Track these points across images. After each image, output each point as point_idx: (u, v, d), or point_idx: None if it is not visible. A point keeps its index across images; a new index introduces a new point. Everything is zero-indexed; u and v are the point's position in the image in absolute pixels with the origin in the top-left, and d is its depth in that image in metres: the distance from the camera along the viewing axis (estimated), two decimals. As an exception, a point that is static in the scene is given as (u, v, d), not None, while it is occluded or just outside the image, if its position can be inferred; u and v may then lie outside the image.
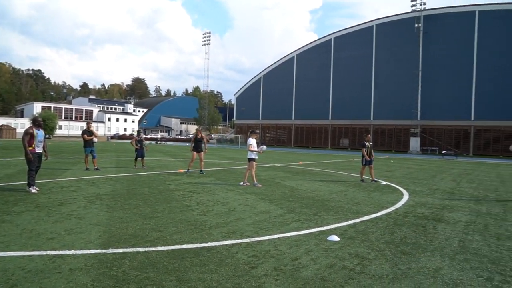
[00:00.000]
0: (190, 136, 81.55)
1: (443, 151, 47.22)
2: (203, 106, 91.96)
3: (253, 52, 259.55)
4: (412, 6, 57.55)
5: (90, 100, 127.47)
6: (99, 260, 4.44)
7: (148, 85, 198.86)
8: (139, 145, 16.87)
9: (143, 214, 7.09)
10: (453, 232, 6.46)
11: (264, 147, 12.88)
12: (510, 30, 51.34)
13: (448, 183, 14.52)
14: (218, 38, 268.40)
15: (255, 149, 11.99)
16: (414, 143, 56.37)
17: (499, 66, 51.79)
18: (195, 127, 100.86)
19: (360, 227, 6.61)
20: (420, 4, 56.69)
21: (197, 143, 15.34)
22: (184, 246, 5.11)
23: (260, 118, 74.88)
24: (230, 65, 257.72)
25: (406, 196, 10.53)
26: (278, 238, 5.71)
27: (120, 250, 4.84)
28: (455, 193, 11.71)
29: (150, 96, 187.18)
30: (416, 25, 56.85)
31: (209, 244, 5.25)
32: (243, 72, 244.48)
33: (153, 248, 4.95)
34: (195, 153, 15.24)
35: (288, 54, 72.20)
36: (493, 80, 52.11)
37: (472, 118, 53.83)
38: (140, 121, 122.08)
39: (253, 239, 5.57)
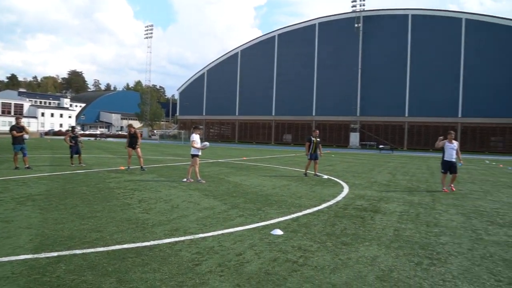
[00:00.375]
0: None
1: (380, 146, 49.81)
2: (145, 101, 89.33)
3: (197, 46, 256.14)
4: (352, 7, 59.88)
5: (20, 94, 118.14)
6: (29, 266, 4.12)
7: (86, 79, 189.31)
8: (73, 141, 16.02)
9: (80, 214, 6.74)
10: (389, 222, 6.83)
11: (207, 144, 12.70)
12: (439, 32, 55.16)
13: (384, 176, 15.34)
14: (161, 32, 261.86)
15: (198, 145, 11.85)
16: (354, 138, 58.90)
17: (429, 66, 55.56)
18: (137, 122, 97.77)
19: (303, 220, 6.78)
20: (360, 5, 59.13)
21: (131, 139, 14.87)
22: (125, 246, 4.93)
23: (204, 114, 74.30)
24: (174, 59, 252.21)
25: (346, 189, 10.96)
26: (222, 234, 5.70)
27: (55, 254, 4.55)
28: (391, 185, 12.39)
29: (89, 90, 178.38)
30: (356, 25, 59.27)
31: (152, 242, 5.11)
32: (186, 67, 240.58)
33: (92, 250, 4.72)
34: (130, 149, 14.78)
35: (232, 50, 72.21)
36: (424, 79, 55.83)
37: (406, 115, 57.27)
38: (77, 117, 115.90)
39: (197, 236, 5.50)
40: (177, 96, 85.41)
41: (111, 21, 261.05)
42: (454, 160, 11.32)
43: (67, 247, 4.80)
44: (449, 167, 11.32)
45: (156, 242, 5.11)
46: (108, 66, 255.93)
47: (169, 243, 5.12)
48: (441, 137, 12.18)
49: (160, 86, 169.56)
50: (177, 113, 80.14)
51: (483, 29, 53.33)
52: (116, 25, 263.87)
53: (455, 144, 11.37)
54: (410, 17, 57.30)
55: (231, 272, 4.11)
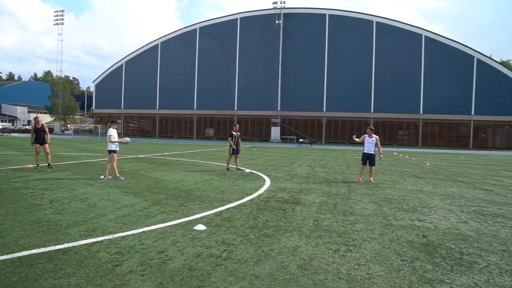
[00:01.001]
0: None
1: (300, 140, 51.90)
2: (56, 93, 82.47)
3: (114, 36, 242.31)
4: (273, 3, 61.19)
5: None
6: None
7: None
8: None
9: (-21, 217, 6.05)
10: (309, 212, 7.13)
11: (128, 139, 12.08)
12: (354, 32, 58.81)
13: (304, 169, 15.98)
14: (74, 18, 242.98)
15: (116, 140, 11.29)
16: (275, 132, 60.53)
17: (345, 64, 59.05)
18: (48, 116, 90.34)
19: (226, 214, 6.80)
20: (281, 2, 60.64)
21: (37, 134, 13.64)
22: (34, 251, 4.52)
23: (123, 107, 70.97)
24: (88, 49, 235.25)
25: (268, 182, 11.22)
26: (144, 231, 5.50)
27: (-52, 263, 4.03)
28: (310, 177, 12.94)
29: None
30: (277, 22, 60.68)
31: (66, 245, 4.75)
32: (103, 58, 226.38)
33: (-6, 257, 4.26)
34: (37, 145, 13.60)
35: (152, 41, 69.81)
36: (341, 77, 59.21)
37: (324, 110, 60.27)
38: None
39: (116, 235, 5.24)
40: (92, 89, 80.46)
41: (11, 2, 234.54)
42: (372, 153, 12.23)
43: (-37, 256, 4.28)
44: (367, 160, 12.21)
45: (70, 245, 4.77)
46: (8, 53, 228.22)
47: (86, 244, 4.81)
48: (355, 136, 13.13)
49: (73, 77, 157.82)
50: (93, 107, 75.49)
51: (391, 32, 58.05)
52: (18, 6, 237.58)
53: (374, 138, 12.30)
54: (327, 16, 60.25)
55: (154, 271, 3.99)
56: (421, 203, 8.48)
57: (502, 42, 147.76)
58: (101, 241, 4.97)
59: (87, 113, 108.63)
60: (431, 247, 5.10)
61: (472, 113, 56.48)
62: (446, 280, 3.95)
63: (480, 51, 57.09)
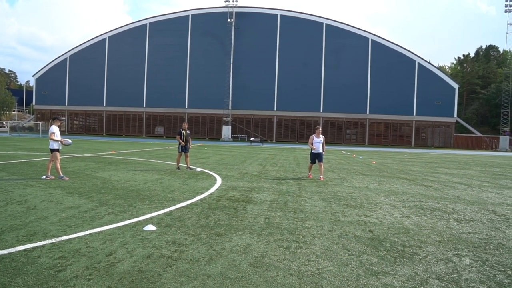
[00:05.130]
0: None
1: (251, 138, 52.18)
2: (-10, 87, 77.11)
3: (56, 28, 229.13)
4: (225, 1, 61.00)
5: None
6: None
7: None
8: None
9: None
10: (260, 210, 7.18)
11: (69, 141, 11.25)
12: (304, 33, 60.07)
13: (255, 167, 16.08)
14: (7, 6, 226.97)
15: (58, 138, 10.71)
16: (226, 131, 60.42)
17: (295, 64, 60.18)
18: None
19: (176, 214, 6.69)
20: (233, 1, 60.58)
21: None
22: (-33, 257, 4.19)
23: (67, 104, 67.56)
24: (26, 40, 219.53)
25: (219, 181, 11.17)
26: (90, 234, 5.27)
27: None
28: (261, 176, 13.05)
29: None
30: (228, 20, 60.55)
31: (1, 252, 4.43)
32: (43, 50, 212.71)
33: None
34: None
35: (100, 35, 67.10)
36: (291, 77, 60.27)
37: (275, 109, 61.06)
38: None
39: (59, 239, 4.98)
40: (32, 83, 75.85)
41: None
42: (320, 151, 12.62)
43: None
44: (315, 158, 12.60)
45: (6, 251, 4.45)
46: None
47: (25, 250, 4.52)
48: (311, 143, 13.43)
49: (10, 70, 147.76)
50: (34, 102, 71.12)
51: (339, 34, 59.98)
52: None
53: (321, 138, 12.71)
54: (279, 17, 61.04)
55: (101, 274, 3.83)
56: (368, 199, 8.83)
57: (440, 48, 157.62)
58: (42, 246, 4.69)
59: (26, 109, 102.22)
60: (377, 241, 5.33)
61: (414, 114, 59.77)
62: (390, 272, 4.15)
63: (421, 56, 60.61)
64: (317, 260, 4.48)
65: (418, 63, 59.42)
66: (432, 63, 64.09)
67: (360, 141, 61.35)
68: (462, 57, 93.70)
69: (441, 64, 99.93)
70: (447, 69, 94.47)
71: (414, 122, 60.27)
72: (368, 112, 60.19)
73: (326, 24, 60.48)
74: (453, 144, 60.28)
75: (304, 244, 5.10)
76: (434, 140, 61.29)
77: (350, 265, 4.33)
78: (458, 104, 63.82)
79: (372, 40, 59.90)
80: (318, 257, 4.59)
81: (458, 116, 61.59)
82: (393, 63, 59.00)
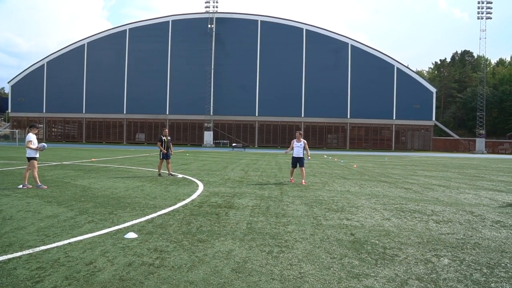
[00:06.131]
0: None
1: (233, 144, 52.13)
2: (-37, 94, 74.72)
3: (32, 33, 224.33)
4: (206, 8, 61.02)
5: None
6: None
7: None
8: None
9: None
10: (242, 216, 7.18)
11: (44, 145, 10.99)
12: (285, 38, 60.59)
13: (237, 173, 16.07)
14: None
15: (35, 146, 10.49)
16: (208, 137, 60.23)
17: (277, 69, 60.55)
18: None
19: (158, 221, 6.62)
20: (213, 7, 60.66)
21: None
22: None
23: (44, 111, 66.13)
24: (0, 46, 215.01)
25: (201, 187, 11.12)
26: (69, 243, 5.17)
27: None
28: (243, 181, 13.05)
29: None
30: (209, 26, 60.57)
31: (-23, 262, 4.31)
32: (18, 56, 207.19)
33: None
34: None
35: (78, 41, 66.10)
36: (272, 82, 60.63)
37: (257, 114, 61.23)
38: None
39: (37, 249, 4.86)
40: (8, 90, 73.98)
41: None
42: (301, 156, 12.74)
43: None
44: (296, 162, 12.70)
45: (-17, 261, 4.34)
46: None
47: (0, 261, 4.41)
48: (286, 151, 13.78)
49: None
50: (9, 110, 69.34)
51: (320, 39, 60.72)
52: None
53: (302, 142, 12.84)
54: (259, 23, 61.42)
55: (81, 284, 3.76)
56: (349, 203, 8.93)
57: (417, 53, 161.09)
58: (19, 257, 4.57)
59: (1, 117, 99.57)
60: (358, 244, 5.40)
61: (394, 118, 60.82)
62: (371, 274, 4.20)
63: (399, 61, 61.82)
64: (299, 264, 4.51)
65: (397, 68, 60.61)
66: (410, 68, 65.44)
67: (342, 145, 62.02)
68: (439, 62, 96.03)
69: (419, 69, 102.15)
70: (425, 74, 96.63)
71: (394, 125, 61.31)
72: (349, 117, 60.95)
73: (306, 30, 61.16)
74: (432, 147, 61.56)
75: (286, 249, 5.12)
76: (414, 143, 62.46)
77: (332, 268, 4.37)
78: (436, 107, 65.31)
79: (351, 45, 60.82)
80: (300, 261, 4.62)
81: (436, 119, 62.96)
82: (373, 67, 60.00)
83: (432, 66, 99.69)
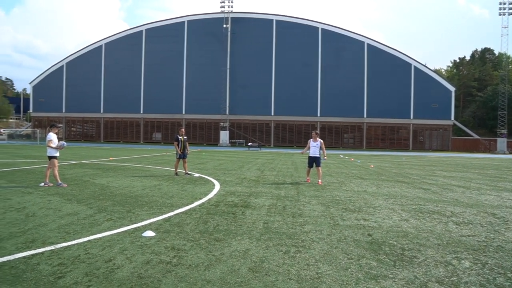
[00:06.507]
0: None
1: (249, 143, 52.17)
2: (-13, 95, 76.85)
3: (52, 35, 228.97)
4: (221, 8, 61.23)
5: None
6: None
7: None
8: None
9: None
10: (259, 215, 7.18)
11: (64, 143, 11.27)
12: (300, 38, 60.34)
13: (254, 172, 16.08)
14: (2, 14, 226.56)
15: (55, 145, 10.70)
16: (224, 136, 60.43)
17: (292, 69, 60.35)
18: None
19: (175, 219, 6.68)
20: (228, 7, 60.84)
21: None
22: (-35, 265, 4.17)
23: (64, 111, 67.44)
24: (21, 48, 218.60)
25: (217, 187, 11.16)
26: (89, 240, 5.26)
27: None
28: (260, 180, 13.05)
29: None
30: (224, 26, 60.77)
31: (0, 260, 4.43)
32: (39, 58, 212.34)
33: None
34: None
35: (96, 42, 67.11)
36: (287, 81, 60.42)
37: (272, 114, 61.14)
38: None
39: (58, 246, 4.97)
40: (29, 91, 75.73)
41: None
42: (317, 156, 12.69)
43: None
44: (313, 162, 12.64)
45: (6, 259, 4.45)
46: None
47: (24, 257, 4.51)
48: (302, 152, 13.77)
49: (6, 78, 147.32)
50: (31, 110, 70.96)
51: (335, 38, 60.25)
52: None
53: (319, 142, 12.77)
54: (274, 22, 61.29)
55: (101, 281, 3.83)
56: (366, 203, 8.84)
57: (436, 51, 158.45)
58: (42, 253, 4.68)
59: (23, 117, 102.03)
60: (376, 245, 5.34)
61: (411, 117, 59.94)
62: (390, 275, 4.15)
63: (417, 59, 60.89)
64: (316, 264, 4.49)
65: (414, 67, 59.71)
66: (428, 66, 64.38)
67: (358, 145, 61.45)
68: (458, 60, 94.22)
69: (437, 67, 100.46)
70: (443, 72, 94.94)
71: (411, 125, 60.44)
72: (365, 116, 60.33)
73: (322, 29, 60.77)
74: (450, 147, 60.45)
75: (303, 249, 5.10)
76: (432, 143, 61.45)
77: (349, 269, 4.33)
78: (455, 107, 64.06)
79: (368, 44, 60.18)
80: (317, 261, 4.59)
81: (455, 119, 61.78)
82: (389, 66, 59.24)
83: (450, 65, 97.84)
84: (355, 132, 62.11)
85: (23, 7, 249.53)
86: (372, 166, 22.02)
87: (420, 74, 59.55)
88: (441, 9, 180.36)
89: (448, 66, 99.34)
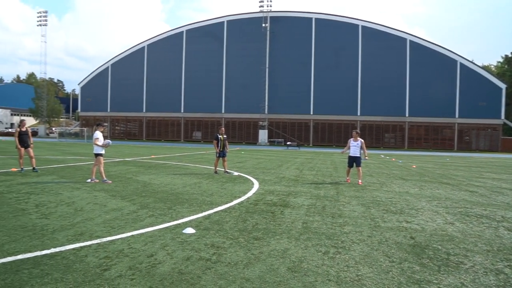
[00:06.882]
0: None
1: (288, 143, 52.02)
2: (40, 95, 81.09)
3: (99, 38, 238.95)
4: (260, 7, 61.38)
5: None
6: None
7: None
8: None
9: (-37, 222, 5.92)
10: (298, 215, 7.15)
11: (109, 141, 11.71)
12: (339, 36, 59.39)
13: (292, 171, 16.02)
14: (56, 20, 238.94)
15: (101, 143, 11.17)
16: (263, 135, 60.58)
17: (331, 68, 59.54)
18: (32, 119, 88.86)
19: (215, 217, 6.78)
20: (267, 6, 60.90)
21: (21, 137, 13.44)
22: (20, 256, 4.44)
23: (109, 110, 70.19)
24: (72, 51, 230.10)
25: (256, 185, 11.22)
26: (132, 235, 5.45)
27: None
28: (298, 180, 12.98)
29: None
30: (263, 25, 60.89)
31: (52, 250, 4.68)
32: (87, 60, 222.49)
33: (-22, 262, 4.18)
34: (22, 149, 13.38)
35: (139, 44, 69.26)
36: (327, 80, 59.65)
37: (311, 113, 60.62)
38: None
39: (104, 240, 5.19)
40: (78, 91, 79.45)
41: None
42: (358, 155, 12.46)
43: None
44: (353, 162, 12.46)
45: (57, 250, 4.70)
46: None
47: (73, 249, 4.75)
48: (342, 151, 13.57)
49: (58, 80, 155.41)
50: (79, 109, 74.46)
51: (376, 36, 58.74)
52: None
53: (359, 141, 12.53)
54: (314, 20, 60.68)
55: (143, 275, 3.96)
56: (408, 205, 8.58)
57: (480, 47, 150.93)
58: (89, 246, 4.91)
59: (72, 116, 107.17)
60: (419, 248, 5.17)
61: (456, 116, 57.42)
62: (434, 281, 4.01)
63: (463, 56, 58.21)
64: (357, 266, 4.41)
65: (460, 63, 57.10)
66: (475, 63, 61.40)
67: (399, 144, 59.59)
68: (509, 55, 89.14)
69: (485, 64, 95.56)
70: (493, 69, 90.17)
71: (456, 124, 57.89)
72: (407, 115, 58.44)
73: (362, 26, 59.43)
74: (500, 147, 57.31)
75: (343, 250, 5.03)
76: (479, 143, 58.54)
77: (391, 272, 4.22)
78: (506, 105, 60.56)
79: (410, 41, 58.21)
80: (358, 263, 4.51)
81: (506, 117, 58.49)
82: (433, 63, 56.99)
83: (501, 60, 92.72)
84: (397, 131, 60.26)
85: (74, 12, 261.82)
86: (414, 166, 21.32)
87: (467, 71, 56.87)
88: (489, 2, 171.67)
89: (499, 62, 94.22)
